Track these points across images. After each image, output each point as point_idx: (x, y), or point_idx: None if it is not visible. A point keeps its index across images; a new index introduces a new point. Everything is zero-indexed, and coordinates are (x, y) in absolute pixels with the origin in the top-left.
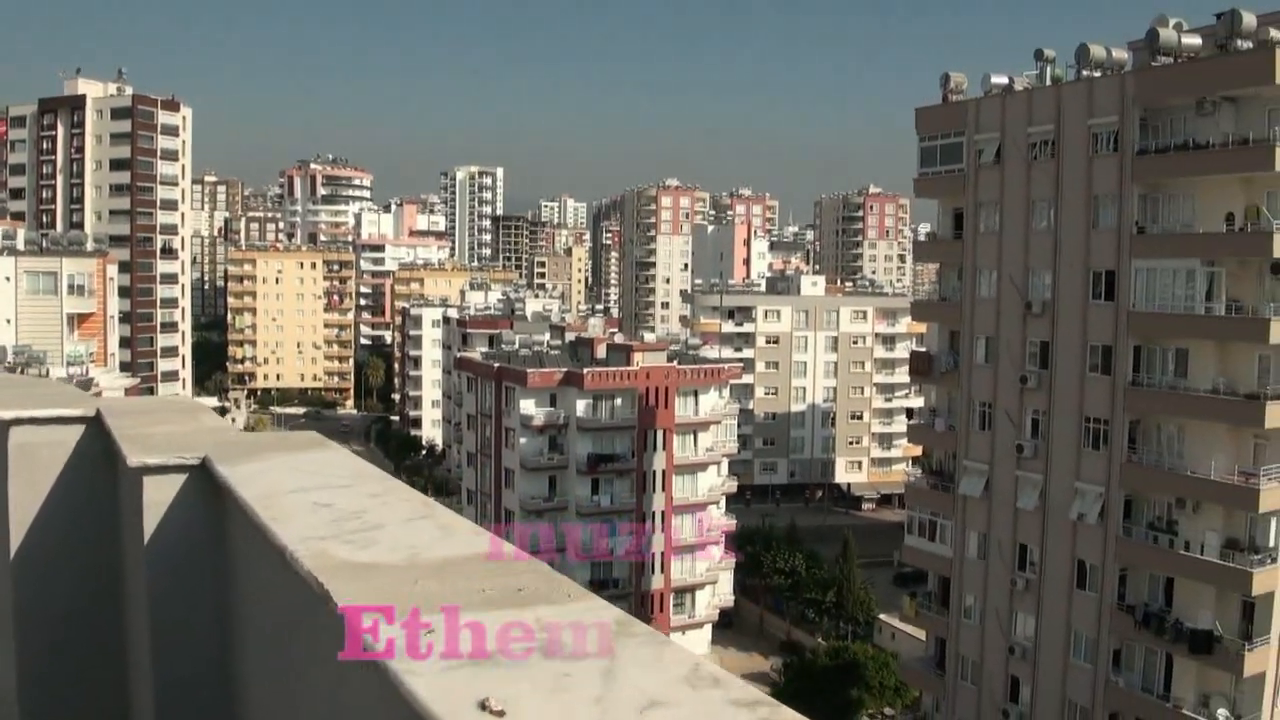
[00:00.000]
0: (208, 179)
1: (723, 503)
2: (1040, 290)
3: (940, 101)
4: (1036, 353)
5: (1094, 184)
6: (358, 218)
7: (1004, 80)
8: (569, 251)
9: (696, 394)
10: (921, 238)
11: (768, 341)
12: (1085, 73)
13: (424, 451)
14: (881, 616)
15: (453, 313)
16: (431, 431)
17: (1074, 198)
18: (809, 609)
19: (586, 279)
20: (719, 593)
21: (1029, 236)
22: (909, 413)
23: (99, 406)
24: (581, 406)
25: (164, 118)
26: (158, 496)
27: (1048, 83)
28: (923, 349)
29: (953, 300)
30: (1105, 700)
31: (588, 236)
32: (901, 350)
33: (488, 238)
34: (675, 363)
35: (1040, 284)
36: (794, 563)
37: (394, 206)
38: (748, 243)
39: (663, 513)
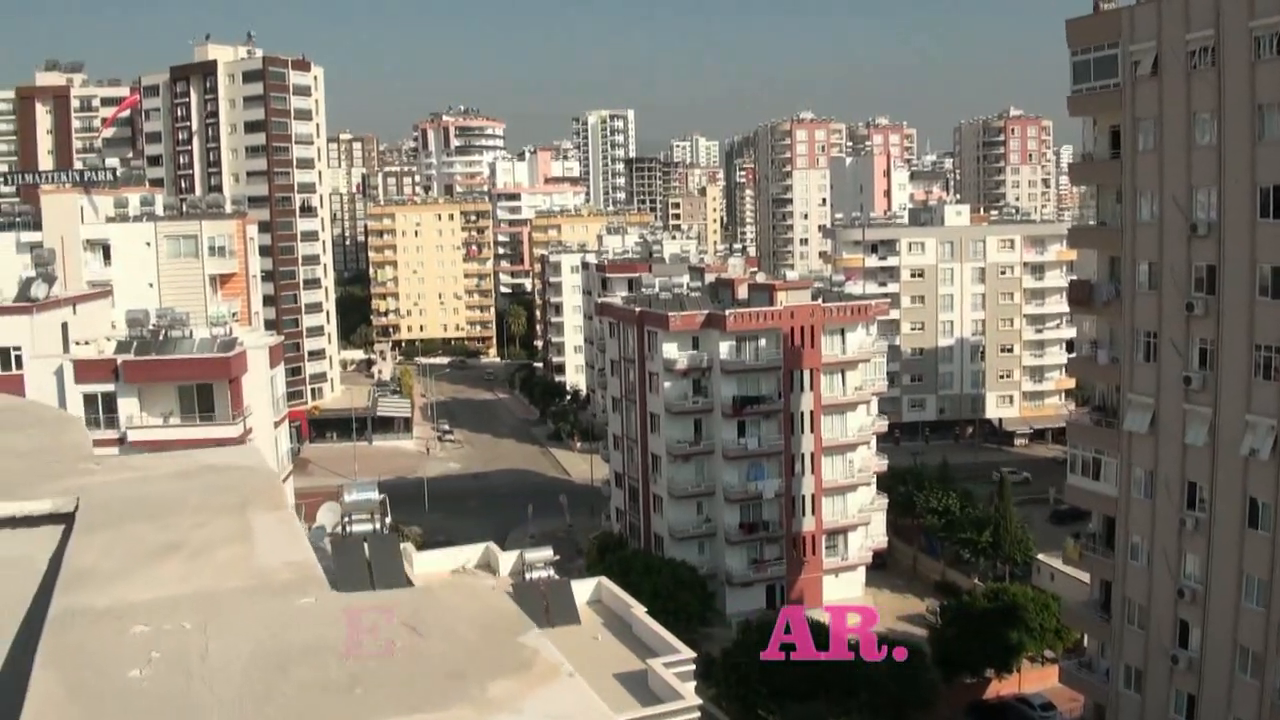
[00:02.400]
0: (342, 137)
1: (873, 442)
2: (1205, 210)
3: (1091, 11)
4: (1203, 278)
5: (1257, 92)
6: (492, 167)
7: None
8: (703, 191)
9: (843, 332)
10: (1067, 160)
11: (912, 275)
12: None
13: (568, 397)
14: (1040, 557)
15: (591, 258)
16: (575, 377)
17: (1237, 108)
18: (964, 549)
19: (721, 218)
20: (871, 534)
21: (1191, 153)
22: (1068, 345)
23: None
24: (725, 348)
25: (295, 78)
26: None
27: None
28: (1079, 277)
29: (1112, 225)
30: None
31: (721, 175)
32: (1051, 279)
33: (621, 181)
34: (819, 300)
35: (1204, 203)
36: (947, 502)
37: (528, 154)
38: (887, 174)
39: (811, 454)
